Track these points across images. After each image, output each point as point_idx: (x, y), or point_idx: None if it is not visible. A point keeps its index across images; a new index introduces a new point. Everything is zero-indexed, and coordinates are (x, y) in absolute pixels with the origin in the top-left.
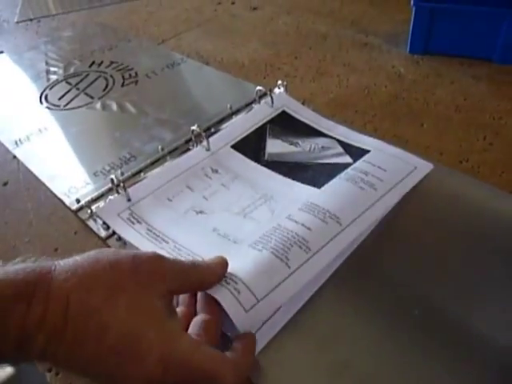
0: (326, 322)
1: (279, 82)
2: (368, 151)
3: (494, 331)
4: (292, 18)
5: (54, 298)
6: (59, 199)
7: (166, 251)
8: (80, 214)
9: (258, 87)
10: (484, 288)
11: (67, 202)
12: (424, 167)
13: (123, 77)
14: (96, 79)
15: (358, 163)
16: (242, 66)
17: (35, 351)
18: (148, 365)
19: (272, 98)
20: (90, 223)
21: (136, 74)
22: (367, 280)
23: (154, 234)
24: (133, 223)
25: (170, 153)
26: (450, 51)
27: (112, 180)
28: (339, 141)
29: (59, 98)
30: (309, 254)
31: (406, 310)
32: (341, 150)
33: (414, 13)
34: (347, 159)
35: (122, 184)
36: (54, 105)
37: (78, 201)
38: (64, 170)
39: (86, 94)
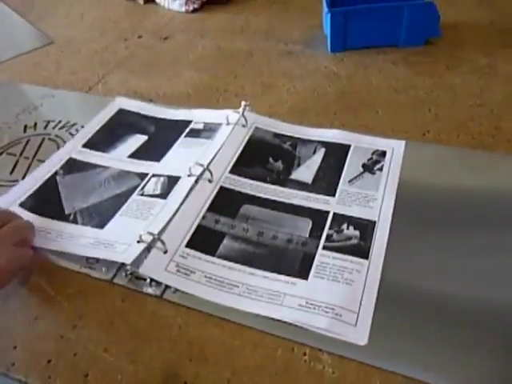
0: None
1: (243, 103)
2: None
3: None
4: (208, 41)
5: None
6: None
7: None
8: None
9: (228, 111)
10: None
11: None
12: (400, 145)
13: (71, 134)
14: (41, 143)
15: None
16: (188, 96)
17: None
18: None
19: (245, 118)
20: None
21: (82, 127)
22: None
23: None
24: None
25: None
26: (365, 44)
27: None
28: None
29: (10, 173)
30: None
31: None
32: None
33: (330, 17)
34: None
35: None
36: (9, 180)
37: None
38: None
39: (40, 161)
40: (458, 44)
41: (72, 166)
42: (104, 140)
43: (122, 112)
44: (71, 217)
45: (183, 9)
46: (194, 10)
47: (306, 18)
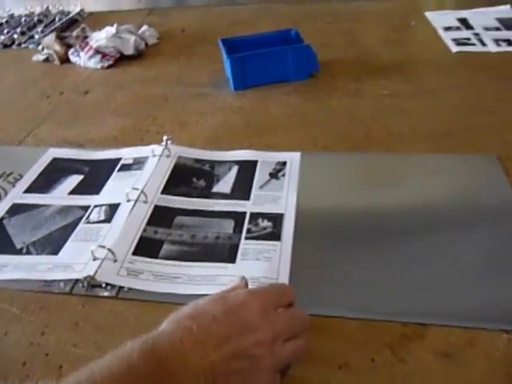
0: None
1: (164, 137)
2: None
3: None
4: (126, 90)
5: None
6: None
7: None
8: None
9: (153, 146)
10: None
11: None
12: (296, 156)
13: (9, 182)
14: None
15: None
16: (115, 139)
17: None
18: None
19: (169, 149)
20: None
21: (20, 175)
22: None
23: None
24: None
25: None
26: (262, 81)
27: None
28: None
29: None
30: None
31: None
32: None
33: (229, 62)
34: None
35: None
36: None
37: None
38: None
39: None
40: (334, 75)
41: (16, 210)
42: (43, 184)
43: (56, 160)
44: (24, 250)
45: (99, 66)
46: (110, 66)
47: (211, 64)
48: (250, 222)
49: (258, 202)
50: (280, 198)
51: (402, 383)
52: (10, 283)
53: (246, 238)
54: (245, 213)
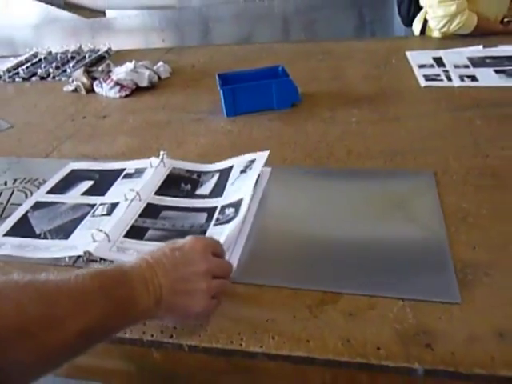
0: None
1: (161, 152)
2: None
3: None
4: (137, 116)
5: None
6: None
7: None
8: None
9: (152, 158)
10: None
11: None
12: (264, 155)
13: (35, 186)
14: (12, 193)
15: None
16: (123, 154)
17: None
18: None
19: (164, 162)
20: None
21: (44, 181)
22: None
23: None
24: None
25: None
26: (250, 109)
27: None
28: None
29: None
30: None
31: None
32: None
33: (222, 93)
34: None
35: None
36: None
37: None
38: None
39: (13, 204)
40: (314, 105)
41: (38, 206)
42: (61, 188)
43: (73, 171)
44: (42, 235)
45: (117, 95)
46: (127, 96)
47: (211, 95)
48: (219, 213)
49: (227, 196)
50: (244, 186)
51: (313, 332)
52: (29, 259)
53: (214, 225)
54: (216, 207)
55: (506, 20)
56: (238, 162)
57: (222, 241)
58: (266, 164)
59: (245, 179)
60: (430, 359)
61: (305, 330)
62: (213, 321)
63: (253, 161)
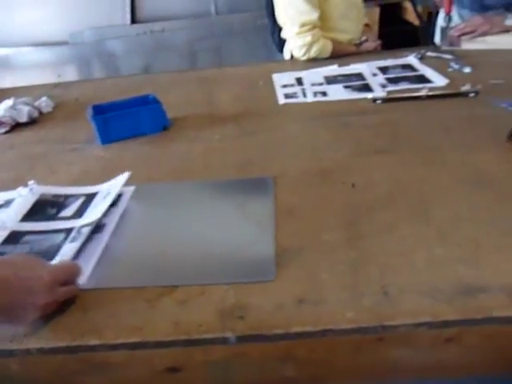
0: None
1: (29, 182)
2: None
3: None
4: (16, 150)
5: None
6: None
7: None
8: None
9: (19, 188)
10: None
11: None
12: (129, 190)
13: None
14: None
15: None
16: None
17: None
18: None
19: (32, 190)
20: None
21: None
22: None
23: None
24: None
25: None
26: (123, 136)
27: None
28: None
29: None
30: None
31: None
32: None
33: (94, 122)
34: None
35: None
36: None
37: None
38: None
39: None
40: (183, 127)
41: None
42: None
43: None
44: None
45: None
46: (6, 132)
47: (89, 125)
48: (77, 232)
49: (87, 216)
50: (101, 206)
51: (148, 321)
52: None
53: (70, 243)
54: (74, 227)
55: (358, 42)
56: (104, 186)
57: (70, 256)
58: (131, 184)
59: (104, 200)
60: (241, 328)
61: (141, 320)
62: (59, 322)
63: (115, 183)
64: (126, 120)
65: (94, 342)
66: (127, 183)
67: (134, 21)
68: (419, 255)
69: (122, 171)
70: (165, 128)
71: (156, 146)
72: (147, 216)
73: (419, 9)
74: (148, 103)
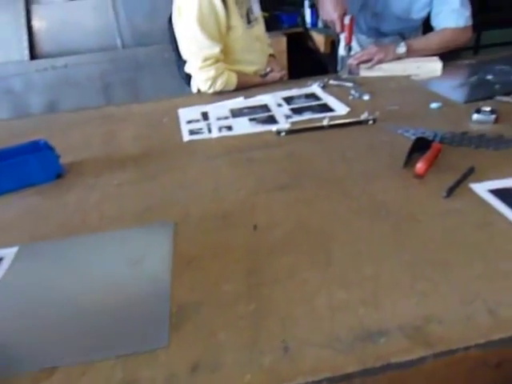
0: None
1: None
2: None
3: None
4: None
5: None
6: None
7: None
8: None
9: None
10: None
11: None
12: (11, 252)
13: None
14: None
15: None
16: None
17: None
18: None
19: None
20: None
21: None
22: None
23: None
24: None
25: None
26: (10, 188)
27: None
28: None
29: None
30: None
31: None
32: None
33: None
34: None
35: None
36: None
37: None
38: None
39: None
40: (80, 173)
41: None
42: None
43: None
44: None
45: None
46: None
47: None
48: None
49: None
50: None
51: None
52: None
53: None
54: None
55: (263, 73)
56: None
57: None
58: (13, 245)
59: None
60: None
61: None
62: None
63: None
64: (11, 170)
65: None
66: (8, 244)
67: (33, 57)
68: (320, 300)
69: (2, 231)
70: (58, 176)
71: (46, 197)
72: (26, 284)
73: (322, 38)
74: (37, 150)
